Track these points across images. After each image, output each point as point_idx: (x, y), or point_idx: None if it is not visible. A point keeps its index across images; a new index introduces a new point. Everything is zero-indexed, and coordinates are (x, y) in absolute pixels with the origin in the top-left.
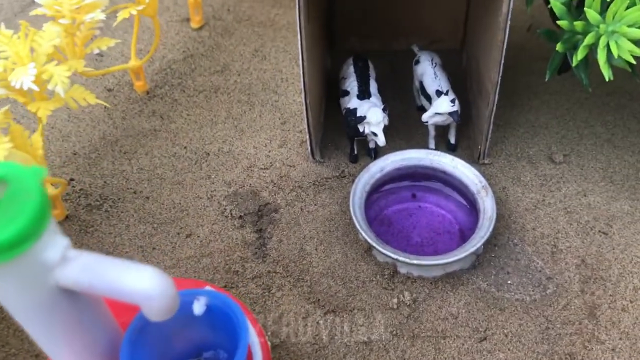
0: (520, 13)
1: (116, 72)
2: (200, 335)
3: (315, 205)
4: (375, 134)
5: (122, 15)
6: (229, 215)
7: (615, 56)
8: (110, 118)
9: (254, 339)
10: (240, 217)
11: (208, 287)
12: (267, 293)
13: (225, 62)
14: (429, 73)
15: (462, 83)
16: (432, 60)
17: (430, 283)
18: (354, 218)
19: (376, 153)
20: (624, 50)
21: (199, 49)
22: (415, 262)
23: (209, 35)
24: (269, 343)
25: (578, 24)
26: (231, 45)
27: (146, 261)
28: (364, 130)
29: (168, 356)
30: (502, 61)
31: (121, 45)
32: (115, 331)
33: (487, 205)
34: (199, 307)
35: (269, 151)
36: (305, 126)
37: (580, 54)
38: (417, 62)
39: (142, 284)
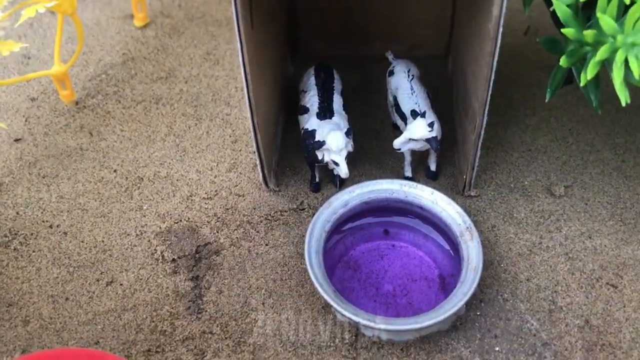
0: (517, 12)
1: (43, 78)
2: None
3: (266, 245)
4: (336, 163)
5: (26, 14)
6: (160, 257)
7: (637, 76)
8: (31, 133)
9: None
10: (174, 260)
11: None
12: None
13: (171, 66)
14: (404, 87)
15: (446, 97)
16: (408, 71)
17: (401, 349)
18: (309, 268)
19: (342, 181)
20: None
21: (141, 51)
22: (382, 326)
23: (154, 35)
24: None
25: (588, 34)
26: (179, 47)
27: (57, 315)
28: (323, 158)
29: None
30: (492, 77)
31: (52, 45)
32: None
33: (472, 252)
34: None
35: (215, 176)
36: (255, 150)
37: (590, 72)
38: (392, 73)
39: None
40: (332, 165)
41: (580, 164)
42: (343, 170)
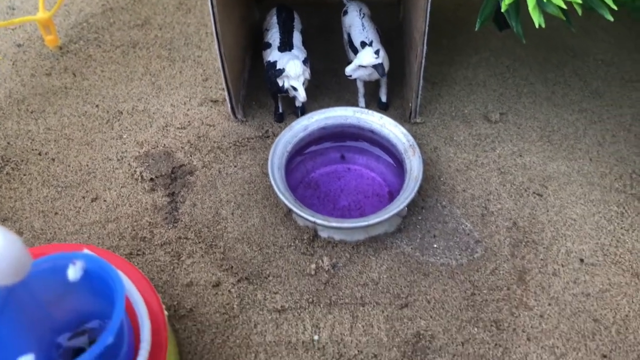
0: None
1: (28, 26)
2: (82, 304)
3: (234, 167)
4: (295, 89)
5: None
6: (139, 177)
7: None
8: (18, 75)
9: (141, 309)
10: (152, 179)
11: (86, 251)
12: (176, 260)
13: (146, 15)
14: (356, 24)
15: (398, 40)
16: (360, 10)
17: (352, 247)
18: (271, 179)
19: (303, 112)
20: None
21: (119, 2)
22: (334, 224)
23: None
24: (165, 313)
25: None
26: None
27: (47, 227)
28: (283, 85)
29: (45, 328)
30: (429, 8)
31: None
32: None
33: (414, 164)
34: (74, 273)
35: (188, 110)
36: (223, 81)
37: None
38: (345, 12)
39: None
40: (292, 93)
41: (514, 95)
42: (301, 95)
